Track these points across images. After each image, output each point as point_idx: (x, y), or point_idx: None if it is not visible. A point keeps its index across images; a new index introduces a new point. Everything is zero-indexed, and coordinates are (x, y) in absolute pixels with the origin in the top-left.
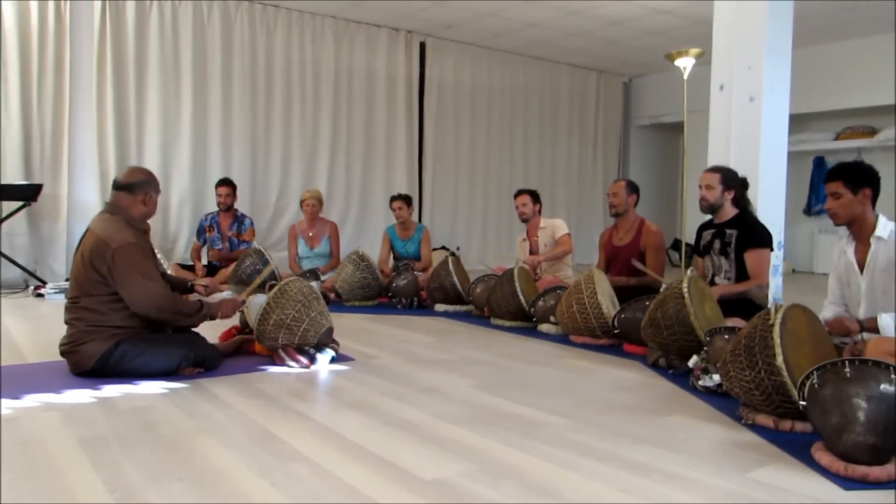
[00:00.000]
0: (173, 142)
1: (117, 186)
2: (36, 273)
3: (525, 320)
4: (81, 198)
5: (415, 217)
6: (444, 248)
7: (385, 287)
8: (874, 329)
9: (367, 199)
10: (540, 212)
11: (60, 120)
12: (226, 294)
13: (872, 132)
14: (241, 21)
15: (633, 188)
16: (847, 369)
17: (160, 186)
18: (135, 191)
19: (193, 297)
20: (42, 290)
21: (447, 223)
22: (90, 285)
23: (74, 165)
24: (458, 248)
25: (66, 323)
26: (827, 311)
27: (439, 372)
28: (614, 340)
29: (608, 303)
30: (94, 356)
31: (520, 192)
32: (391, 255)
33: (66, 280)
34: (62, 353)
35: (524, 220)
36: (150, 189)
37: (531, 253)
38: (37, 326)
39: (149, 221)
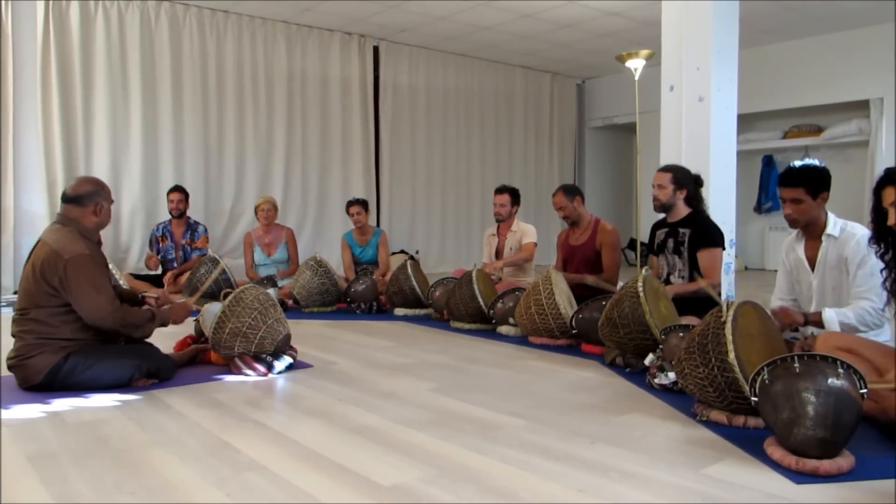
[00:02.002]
0: (123, 150)
1: (66, 199)
2: None
3: (484, 322)
4: (28, 209)
5: (372, 221)
6: (403, 251)
7: (344, 292)
8: (819, 323)
9: (323, 204)
10: (515, 213)
11: (4, 129)
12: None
13: (819, 130)
14: (189, 26)
15: (570, 192)
16: (796, 364)
17: (111, 195)
18: (84, 202)
19: (144, 307)
20: None
21: (405, 227)
22: (41, 297)
23: (20, 176)
24: (416, 252)
25: (14, 336)
26: (774, 306)
27: (398, 376)
28: (572, 340)
29: (566, 303)
30: (42, 370)
31: (500, 190)
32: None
33: (14, 293)
34: (9, 368)
35: (499, 221)
36: (99, 199)
37: (497, 250)
38: None
39: (100, 232)
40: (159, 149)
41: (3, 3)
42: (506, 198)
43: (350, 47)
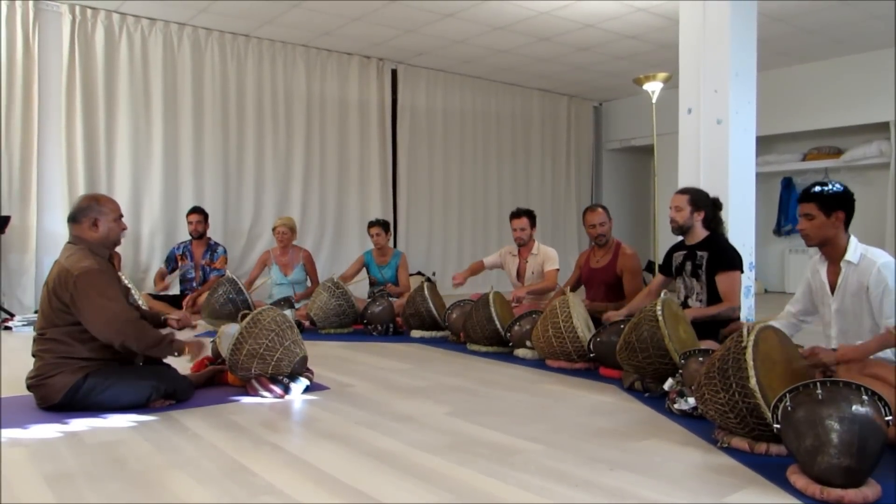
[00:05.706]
0: (144, 171)
1: (68, 218)
2: (4, 305)
3: (501, 345)
4: (50, 229)
5: (390, 243)
6: (419, 273)
7: (360, 314)
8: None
9: (341, 225)
10: (534, 235)
11: (29, 150)
12: (198, 334)
13: (838, 153)
14: (211, 49)
15: (609, 214)
16: (819, 391)
17: (119, 209)
18: (78, 218)
19: (166, 330)
20: (10, 323)
21: (422, 248)
22: (55, 315)
23: (43, 196)
24: (433, 274)
25: (34, 356)
26: (783, 313)
27: (415, 399)
28: (590, 364)
29: (583, 327)
30: (61, 390)
31: (518, 214)
32: (367, 281)
33: (35, 312)
34: (29, 388)
35: (521, 245)
36: (92, 213)
37: (518, 273)
38: (4, 360)
39: (119, 251)
40: (180, 170)
41: (29, 25)
42: (525, 221)
43: (368, 70)
